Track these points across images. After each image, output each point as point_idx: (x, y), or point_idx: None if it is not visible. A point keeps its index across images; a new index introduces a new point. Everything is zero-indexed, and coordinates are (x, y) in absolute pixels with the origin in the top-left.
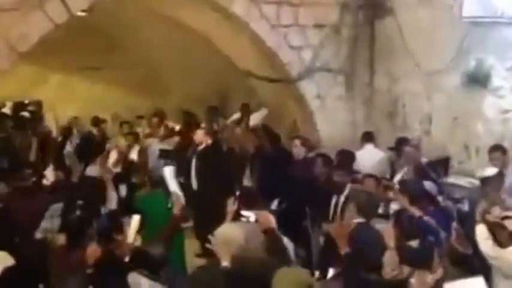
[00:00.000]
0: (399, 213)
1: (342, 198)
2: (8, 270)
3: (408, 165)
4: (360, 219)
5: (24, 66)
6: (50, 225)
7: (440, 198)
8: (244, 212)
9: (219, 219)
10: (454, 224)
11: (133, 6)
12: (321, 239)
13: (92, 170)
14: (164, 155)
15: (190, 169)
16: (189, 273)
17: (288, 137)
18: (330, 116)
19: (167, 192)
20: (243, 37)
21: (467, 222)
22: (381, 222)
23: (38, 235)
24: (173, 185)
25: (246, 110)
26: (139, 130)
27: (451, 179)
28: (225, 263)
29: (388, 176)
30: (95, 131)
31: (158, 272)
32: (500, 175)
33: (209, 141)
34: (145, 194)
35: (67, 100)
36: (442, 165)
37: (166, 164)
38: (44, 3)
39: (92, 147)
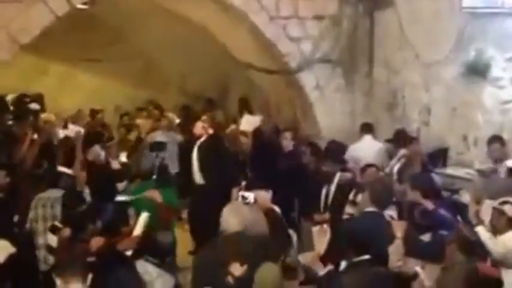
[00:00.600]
0: (412, 206)
1: (333, 188)
2: (12, 257)
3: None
4: (372, 209)
5: (26, 58)
6: (34, 216)
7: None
8: (243, 193)
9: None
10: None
11: None
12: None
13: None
14: (157, 148)
15: (192, 163)
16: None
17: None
18: (329, 107)
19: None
20: (242, 29)
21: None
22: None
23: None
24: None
25: (244, 105)
26: (139, 122)
27: (449, 170)
28: None
29: (386, 167)
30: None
31: (164, 259)
32: None
33: (210, 132)
34: (135, 186)
35: (68, 92)
36: (440, 156)
37: (157, 157)
38: None
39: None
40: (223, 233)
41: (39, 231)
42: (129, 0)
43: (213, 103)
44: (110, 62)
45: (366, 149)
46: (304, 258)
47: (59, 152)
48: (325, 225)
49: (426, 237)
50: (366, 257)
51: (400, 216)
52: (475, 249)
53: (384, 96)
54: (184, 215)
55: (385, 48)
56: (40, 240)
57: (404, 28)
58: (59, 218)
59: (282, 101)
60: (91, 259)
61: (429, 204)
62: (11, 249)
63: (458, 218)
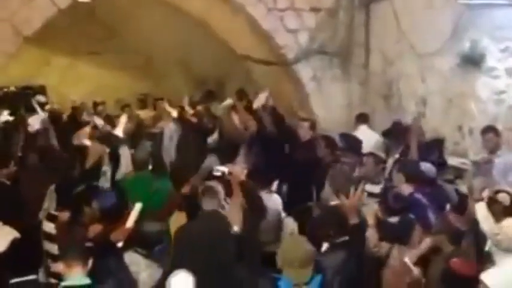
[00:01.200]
0: (385, 190)
1: None
2: (15, 242)
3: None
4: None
5: (29, 50)
6: (47, 206)
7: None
8: (217, 167)
9: None
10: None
11: None
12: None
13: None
14: (152, 138)
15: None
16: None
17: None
18: (325, 98)
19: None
20: (240, 20)
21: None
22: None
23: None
24: None
25: (242, 95)
26: (140, 113)
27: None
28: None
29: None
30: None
31: (152, 249)
32: None
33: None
34: (132, 175)
35: (70, 84)
36: (436, 146)
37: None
38: None
39: None
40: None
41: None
42: None
43: (213, 94)
44: (111, 55)
45: (363, 140)
46: None
47: None
48: None
49: (394, 220)
50: (345, 238)
51: None
52: (464, 239)
53: (380, 87)
54: None
55: (381, 40)
56: (44, 228)
57: (400, 20)
58: None
59: (279, 92)
60: (89, 244)
61: (408, 188)
62: (16, 234)
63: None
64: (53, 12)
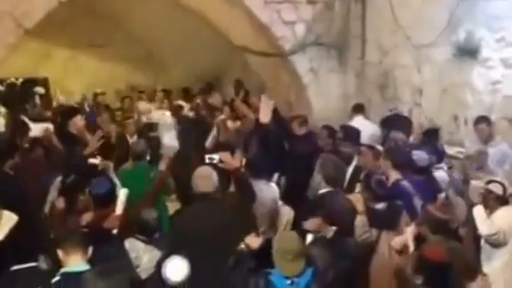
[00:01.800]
0: (367, 176)
1: (350, 169)
2: (15, 230)
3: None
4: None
5: (31, 43)
6: (53, 198)
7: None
8: (209, 155)
9: None
10: (442, 194)
11: None
12: None
13: None
14: (150, 128)
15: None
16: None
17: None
18: (322, 89)
19: (151, 164)
20: (237, 13)
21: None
22: None
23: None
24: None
25: (239, 86)
26: (141, 104)
27: None
28: None
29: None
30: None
31: (151, 236)
32: None
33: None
34: (128, 168)
35: (71, 76)
36: (432, 136)
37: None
38: None
39: None
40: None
41: None
42: None
43: (212, 86)
44: (112, 47)
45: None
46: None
47: None
48: None
49: (381, 206)
50: (333, 228)
51: None
52: (446, 227)
53: (376, 77)
54: None
55: (377, 31)
56: None
57: (396, 11)
58: None
59: (276, 83)
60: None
61: (396, 175)
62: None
63: (443, 195)
64: (53, 4)
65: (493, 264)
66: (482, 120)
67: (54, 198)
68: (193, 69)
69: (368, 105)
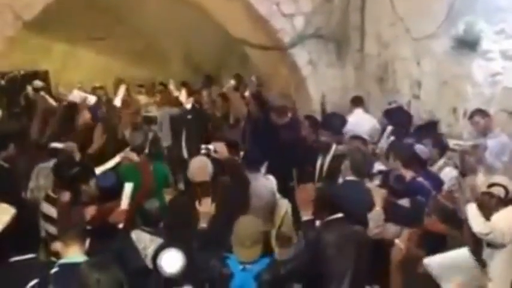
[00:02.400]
0: (386, 174)
1: (328, 159)
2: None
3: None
4: (352, 177)
5: (31, 36)
6: (35, 185)
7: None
8: (204, 146)
9: None
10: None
11: None
12: None
13: None
14: (149, 121)
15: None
16: None
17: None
18: (321, 81)
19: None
20: (236, 5)
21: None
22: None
23: (28, 195)
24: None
25: (239, 80)
26: (140, 98)
27: None
28: None
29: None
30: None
31: (156, 226)
32: None
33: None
34: (125, 166)
35: (71, 69)
36: (431, 129)
37: (149, 131)
38: None
39: None
40: None
41: (41, 200)
42: None
43: (211, 79)
44: (112, 40)
45: (357, 123)
46: None
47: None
48: None
49: (404, 203)
50: (339, 215)
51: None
52: (454, 217)
53: (375, 70)
54: None
55: (376, 23)
56: (42, 209)
57: (395, 3)
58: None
59: (276, 76)
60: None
61: (409, 173)
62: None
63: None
64: None
65: (493, 264)
66: (477, 113)
67: (35, 186)
68: (193, 62)
69: (367, 98)
